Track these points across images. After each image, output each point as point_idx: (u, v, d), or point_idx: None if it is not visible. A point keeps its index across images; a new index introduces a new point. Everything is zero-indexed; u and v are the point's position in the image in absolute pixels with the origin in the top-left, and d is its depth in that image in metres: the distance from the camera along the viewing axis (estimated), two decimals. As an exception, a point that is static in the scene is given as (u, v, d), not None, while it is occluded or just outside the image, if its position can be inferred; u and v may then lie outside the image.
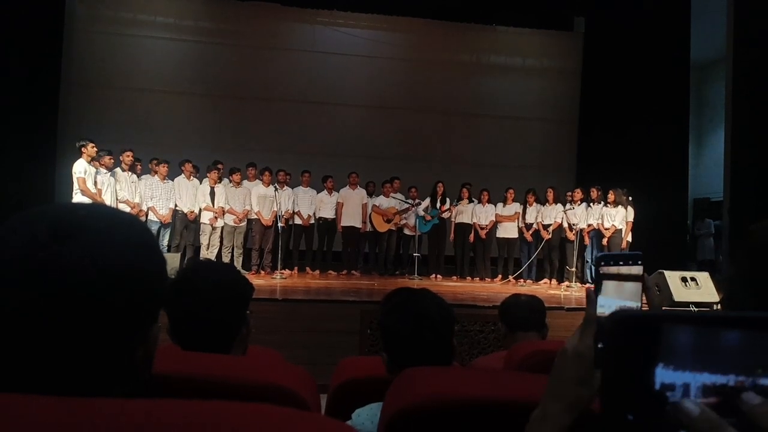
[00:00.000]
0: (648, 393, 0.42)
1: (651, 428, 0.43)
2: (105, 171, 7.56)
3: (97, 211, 0.67)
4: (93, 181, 7.31)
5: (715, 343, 0.43)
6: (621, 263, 0.73)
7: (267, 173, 8.55)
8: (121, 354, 0.64)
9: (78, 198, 7.18)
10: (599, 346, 0.68)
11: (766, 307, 0.87)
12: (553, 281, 9.03)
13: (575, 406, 0.70)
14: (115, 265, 0.61)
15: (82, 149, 7.24)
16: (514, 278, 9.13)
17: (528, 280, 9.14)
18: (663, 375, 0.42)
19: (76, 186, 7.19)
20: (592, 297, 0.73)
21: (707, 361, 0.42)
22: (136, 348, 0.65)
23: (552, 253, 8.99)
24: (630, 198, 8.56)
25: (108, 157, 7.58)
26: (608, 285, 0.73)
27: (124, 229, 0.66)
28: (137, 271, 0.64)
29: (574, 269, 8.34)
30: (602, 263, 0.73)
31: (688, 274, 6.35)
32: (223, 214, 8.31)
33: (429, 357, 1.42)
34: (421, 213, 9.20)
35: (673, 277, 6.34)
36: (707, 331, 0.43)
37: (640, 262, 0.73)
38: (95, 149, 7.33)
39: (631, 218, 8.55)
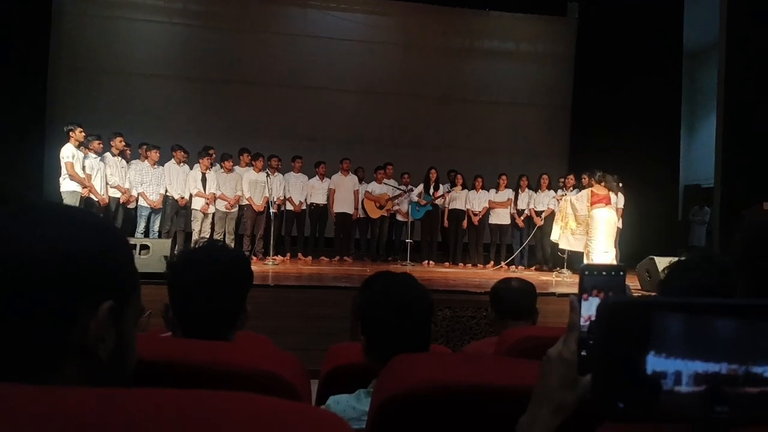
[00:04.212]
0: (639, 381, 0.42)
1: (642, 416, 0.42)
2: (94, 156, 7.49)
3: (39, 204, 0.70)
4: (81, 165, 7.24)
5: (707, 330, 0.42)
6: (605, 274, 0.73)
7: (260, 159, 8.51)
8: (58, 331, 0.64)
9: (66, 183, 7.12)
10: (582, 353, 0.71)
11: (760, 292, 0.87)
12: (545, 267, 9.06)
13: (562, 409, 0.74)
14: (37, 243, 0.63)
15: (70, 134, 7.17)
16: (506, 264, 9.17)
17: (520, 267, 9.18)
18: (655, 363, 0.42)
19: (64, 171, 7.13)
20: (575, 305, 0.74)
21: (699, 348, 0.41)
22: (79, 326, 0.65)
23: (544, 240, 9.02)
24: (621, 184, 8.57)
25: (97, 141, 7.51)
26: (593, 306, 0.73)
27: (55, 209, 0.68)
28: (65, 249, 0.64)
29: (565, 255, 8.37)
30: (586, 273, 0.73)
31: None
32: (215, 200, 8.27)
33: (407, 344, 1.41)
34: (415, 199, 9.20)
35: (663, 263, 6.37)
36: (698, 319, 0.42)
37: (622, 273, 0.74)
38: (83, 134, 7.26)
39: (621, 204, 8.58)
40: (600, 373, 0.43)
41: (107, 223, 0.76)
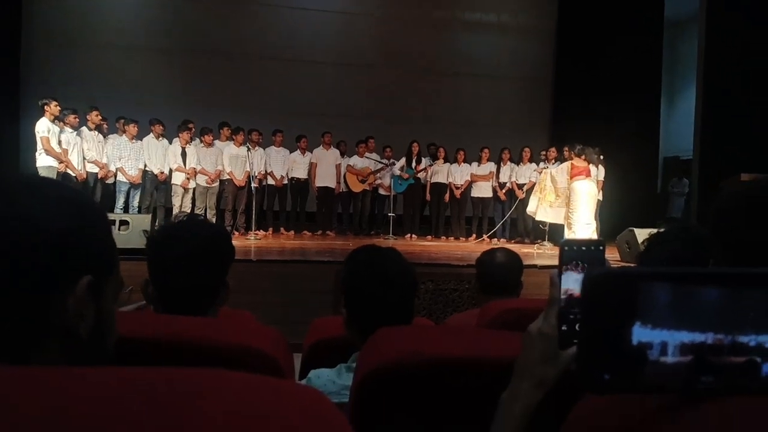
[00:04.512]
0: (625, 352, 0.42)
1: (627, 387, 0.42)
2: (70, 130, 7.35)
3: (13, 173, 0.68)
4: (57, 140, 7.11)
5: (693, 300, 0.42)
6: (584, 249, 0.73)
7: (240, 133, 8.42)
8: (35, 309, 0.63)
9: (42, 158, 7.00)
10: (563, 328, 0.72)
11: (731, 263, 0.88)
12: (527, 240, 9.14)
13: (543, 384, 0.74)
14: (11, 217, 0.61)
15: (45, 108, 7.02)
16: (488, 237, 9.23)
17: (501, 239, 9.24)
18: (641, 333, 0.41)
19: (39, 146, 7.00)
20: (555, 280, 0.74)
21: (685, 319, 0.41)
22: (57, 303, 0.64)
23: (526, 212, 9.06)
24: (601, 157, 8.62)
25: (73, 115, 7.37)
26: (572, 280, 0.74)
27: (30, 182, 0.66)
28: (40, 223, 0.63)
29: (546, 228, 8.44)
30: (566, 248, 0.73)
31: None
32: (195, 175, 8.18)
33: (390, 318, 1.41)
34: (397, 172, 9.18)
35: (642, 235, 6.45)
36: (685, 289, 0.42)
37: (602, 248, 0.74)
38: (58, 108, 7.11)
39: (601, 177, 8.64)
40: (585, 345, 0.43)
41: (84, 196, 0.74)
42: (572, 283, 0.73)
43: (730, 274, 0.42)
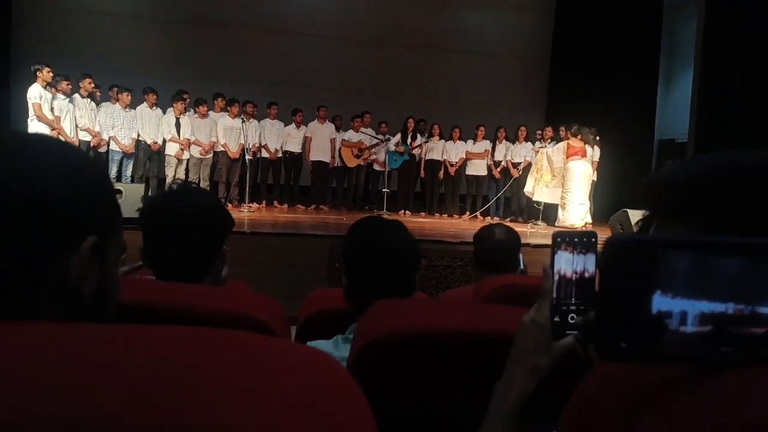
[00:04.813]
0: (644, 321, 0.41)
1: (645, 356, 0.42)
2: (63, 97, 7.25)
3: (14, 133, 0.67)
4: (50, 107, 7.03)
5: (713, 270, 0.41)
6: (576, 240, 0.74)
7: (235, 105, 8.35)
8: (38, 270, 0.61)
9: (34, 124, 6.91)
10: (555, 319, 0.74)
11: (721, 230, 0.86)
12: (520, 219, 9.16)
13: (537, 371, 0.77)
14: (12, 177, 0.60)
15: (37, 74, 6.93)
16: (481, 215, 9.25)
17: (495, 218, 9.26)
18: (660, 302, 0.41)
19: (31, 112, 6.92)
20: (548, 272, 0.75)
21: (706, 288, 0.41)
22: (60, 264, 0.62)
23: (520, 191, 9.07)
24: (597, 137, 8.61)
25: (65, 82, 7.26)
26: (563, 260, 0.74)
27: (31, 140, 0.65)
28: (43, 183, 0.61)
29: (541, 207, 8.46)
30: (558, 239, 0.74)
31: (650, 213, 6.48)
32: (189, 146, 8.12)
33: (390, 291, 1.39)
34: (392, 148, 9.14)
35: (636, 216, 6.48)
36: (706, 258, 0.41)
37: (594, 239, 0.74)
38: (51, 74, 7.01)
39: (597, 158, 8.64)
40: (602, 312, 0.43)
41: (86, 156, 0.73)
42: (564, 263, 0.74)
43: (751, 244, 0.41)
